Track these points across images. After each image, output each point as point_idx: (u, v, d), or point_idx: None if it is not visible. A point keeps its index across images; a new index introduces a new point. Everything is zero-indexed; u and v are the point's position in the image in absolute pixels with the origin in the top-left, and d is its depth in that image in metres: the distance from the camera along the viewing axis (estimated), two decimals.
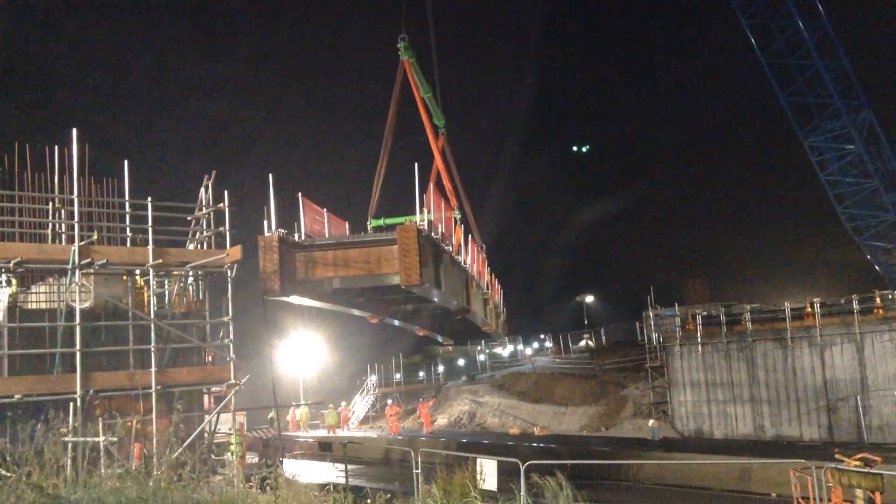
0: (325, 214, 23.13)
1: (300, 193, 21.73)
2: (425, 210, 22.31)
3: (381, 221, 27.47)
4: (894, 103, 54.96)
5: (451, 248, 25.75)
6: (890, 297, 31.49)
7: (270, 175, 20.88)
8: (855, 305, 30.72)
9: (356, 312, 27.22)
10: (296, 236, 21.29)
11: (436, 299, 25.04)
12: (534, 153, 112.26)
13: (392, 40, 30.10)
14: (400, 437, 40.56)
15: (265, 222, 20.76)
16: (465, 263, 28.18)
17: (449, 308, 28.51)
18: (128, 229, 20.13)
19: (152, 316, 18.58)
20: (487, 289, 34.82)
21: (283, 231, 20.81)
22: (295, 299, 22.07)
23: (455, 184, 34.59)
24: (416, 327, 34.42)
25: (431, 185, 24.35)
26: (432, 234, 22.53)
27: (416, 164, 22.42)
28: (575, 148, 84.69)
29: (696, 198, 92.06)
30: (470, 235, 31.16)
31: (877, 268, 45.05)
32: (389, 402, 47.60)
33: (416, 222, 21.19)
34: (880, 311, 30.77)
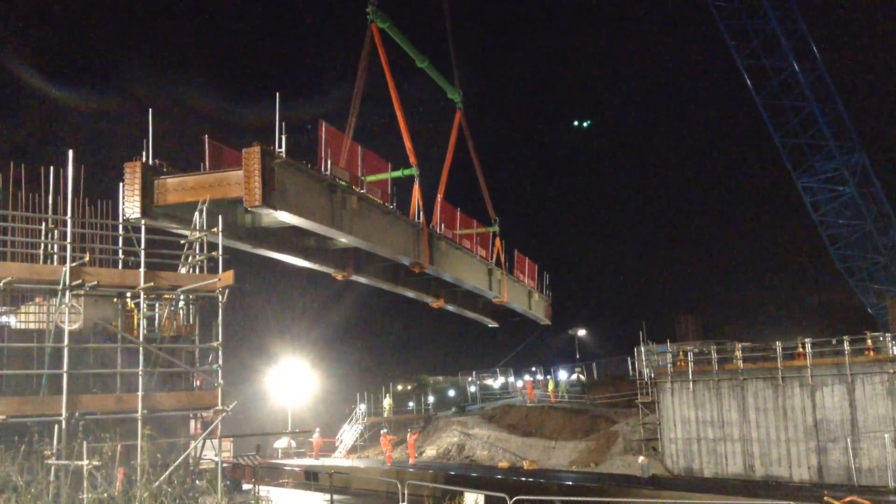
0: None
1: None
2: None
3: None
4: (888, 146, 55.70)
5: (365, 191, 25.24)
6: (881, 338, 31.53)
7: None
8: (846, 346, 30.72)
9: (305, 263, 26.31)
10: None
11: (342, 240, 24.76)
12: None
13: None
14: (387, 468, 40.21)
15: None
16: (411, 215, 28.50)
17: (394, 260, 28.51)
18: (120, 251, 20.07)
19: (141, 339, 18.47)
20: (492, 261, 36.18)
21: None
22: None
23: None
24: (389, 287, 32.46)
25: (323, 124, 23.81)
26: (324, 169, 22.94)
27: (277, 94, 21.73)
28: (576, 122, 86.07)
29: (690, 234, 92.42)
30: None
31: (868, 309, 45.19)
32: (383, 431, 47.17)
33: (264, 145, 20.70)
34: (871, 353, 30.78)
